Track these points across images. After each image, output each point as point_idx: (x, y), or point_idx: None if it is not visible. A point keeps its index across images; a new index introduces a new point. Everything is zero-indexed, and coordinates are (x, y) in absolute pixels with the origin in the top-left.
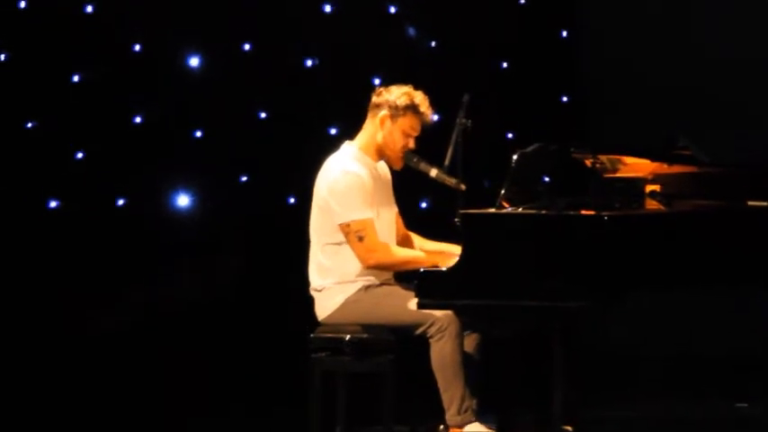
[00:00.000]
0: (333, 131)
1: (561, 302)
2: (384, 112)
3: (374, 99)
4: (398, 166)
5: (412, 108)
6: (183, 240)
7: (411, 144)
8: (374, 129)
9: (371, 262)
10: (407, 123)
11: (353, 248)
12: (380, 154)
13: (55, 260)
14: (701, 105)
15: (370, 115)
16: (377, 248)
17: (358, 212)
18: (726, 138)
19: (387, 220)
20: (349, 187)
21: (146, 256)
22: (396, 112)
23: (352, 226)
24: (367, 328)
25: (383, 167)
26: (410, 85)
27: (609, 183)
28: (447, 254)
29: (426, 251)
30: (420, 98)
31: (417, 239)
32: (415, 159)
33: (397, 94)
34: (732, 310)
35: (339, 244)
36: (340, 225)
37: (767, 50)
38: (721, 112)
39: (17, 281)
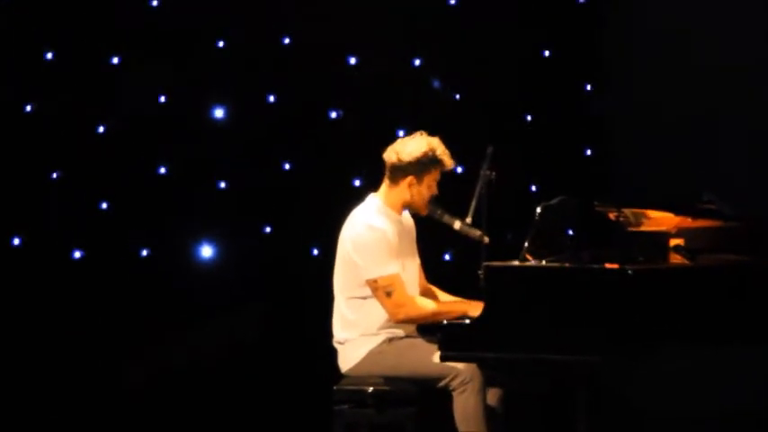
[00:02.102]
0: (357, 183)
1: (584, 356)
2: (409, 176)
3: (393, 161)
4: (425, 212)
5: (434, 162)
6: (207, 291)
7: (435, 191)
8: (400, 190)
9: (401, 316)
10: (432, 177)
11: (382, 303)
12: (407, 206)
13: (78, 311)
14: (727, 159)
15: (390, 175)
16: (405, 303)
17: (384, 268)
18: (754, 190)
19: (411, 271)
20: (374, 243)
21: (169, 307)
22: (421, 171)
23: (380, 282)
24: (390, 380)
25: (407, 218)
26: (421, 133)
27: (633, 236)
28: (474, 304)
29: (449, 303)
30: (440, 150)
31: (439, 294)
32: (438, 212)
33: (417, 153)
34: (758, 367)
35: (364, 298)
36: (367, 281)
37: None
38: (748, 168)
39: (40, 331)
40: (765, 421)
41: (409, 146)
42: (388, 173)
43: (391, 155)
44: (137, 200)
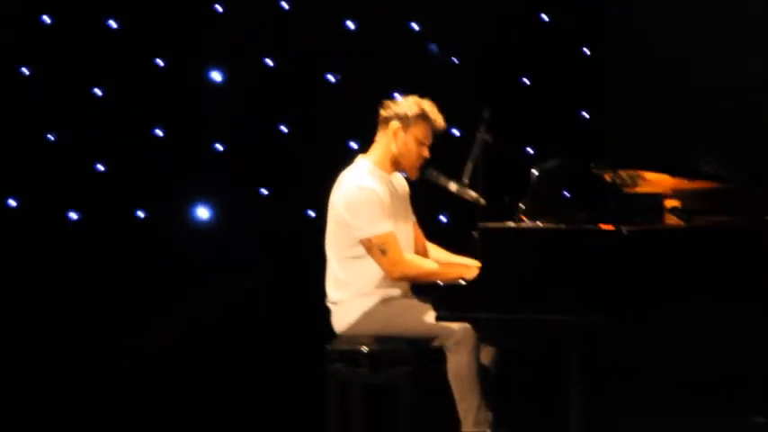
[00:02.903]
0: (354, 146)
1: (578, 317)
2: (395, 123)
3: (382, 113)
4: (414, 175)
5: (422, 116)
6: (202, 253)
7: (425, 153)
8: (387, 141)
9: (397, 274)
10: (420, 132)
11: (378, 262)
12: (396, 165)
13: (75, 272)
14: (725, 122)
15: (380, 129)
16: (401, 260)
17: (378, 226)
18: (752, 150)
19: (404, 232)
20: (365, 203)
21: (164, 269)
22: (407, 121)
23: (374, 241)
24: (384, 340)
25: (399, 180)
26: (416, 96)
27: (628, 198)
28: (469, 267)
29: (446, 263)
30: (429, 106)
31: (437, 251)
32: (434, 174)
33: (406, 104)
34: (752, 326)
35: (356, 258)
36: (361, 240)
37: None
38: (747, 127)
39: (37, 293)
40: (759, 379)
41: (401, 99)
42: (378, 126)
43: (382, 108)
44: (133, 162)
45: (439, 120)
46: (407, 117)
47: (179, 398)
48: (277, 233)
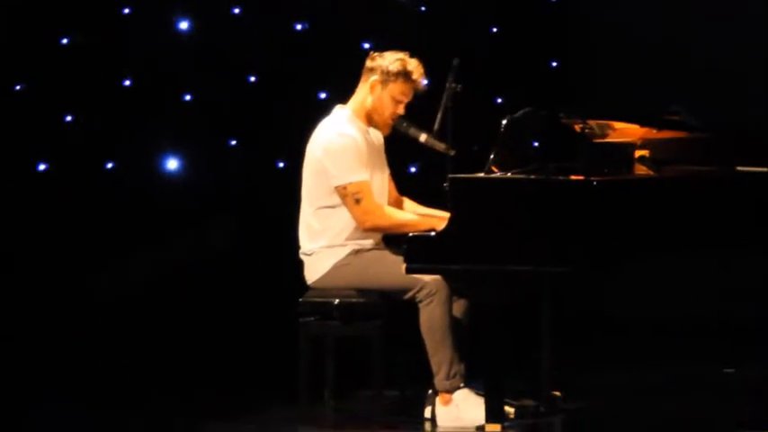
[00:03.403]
0: (322, 96)
1: (549, 267)
2: (375, 77)
3: (368, 63)
4: (386, 132)
5: (403, 74)
6: (172, 204)
7: (400, 110)
8: (365, 93)
9: (368, 224)
10: (397, 89)
11: (350, 210)
12: (369, 119)
13: (42, 223)
14: (694, 69)
15: (362, 80)
16: (374, 210)
17: (354, 174)
18: (719, 101)
19: (379, 183)
20: (344, 149)
21: (134, 220)
22: (387, 77)
23: (349, 188)
24: (356, 292)
25: (375, 132)
26: (406, 52)
27: (598, 148)
28: (440, 218)
29: (418, 215)
30: (414, 65)
31: (409, 204)
32: (404, 124)
33: (391, 59)
34: (720, 275)
35: (333, 207)
36: (336, 187)
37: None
38: (715, 75)
39: (5, 244)
40: (734, 329)
41: (388, 54)
42: (361, 77)
43: (369, 58)
44: (101, 112)
45: (420, 80)
46: (388, 72)
47: (151, 350)
48: (246, 184)
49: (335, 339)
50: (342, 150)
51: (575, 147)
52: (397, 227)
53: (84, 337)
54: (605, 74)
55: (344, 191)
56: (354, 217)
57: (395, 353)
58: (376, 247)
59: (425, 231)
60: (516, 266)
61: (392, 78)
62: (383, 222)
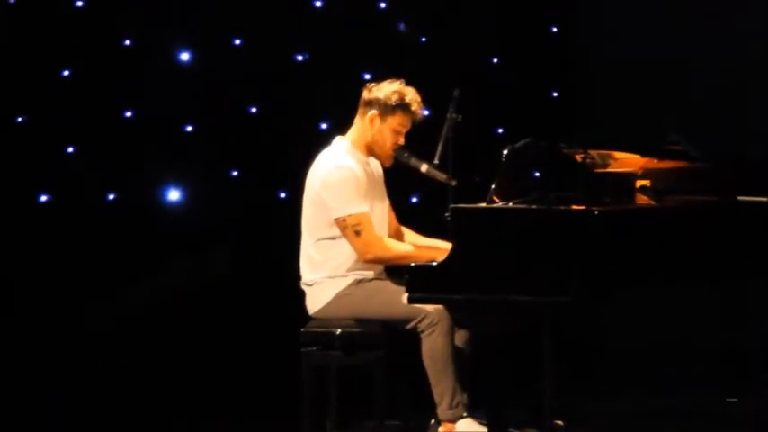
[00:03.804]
0: (323, 126)
1: (550, 297)
2: (373, 111)
3: (365, 95)
4: (388, 164)
5: (402, 106)
6: (174, 235)
7: (401, 141)
8: (364, 127)
9: (369, 256)
10: (397, 121)
11: (351, 243)
12: (370, 151)
13: (45, 254)
14: (694, 101)
15: (360, 112)
16: (375, 242)
17: (354, 206)
18: (720, 131)
19: (379, 214)
20: (342, 181)
21: (136, 251)
22: (385, 110)
23: (349, 221)
24: (358, 322)
25: (375, 162)
26: (401, 81)
27: (599, 178)
28: (441, 249)
29: (419, 246)
30: (411, 95)
31: (410, 234)
32: (405, 155)
33: (388, 92)
34: (723, 304)
35: (333, 239)
36: (336, 220)
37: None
38: (715, 107)
39: (7, 274)
40: (726, 354)
41: (384, 85)
42: (359, 108)
43: (365, 90)
44: (103, 144)
45: (419, 110)
46: (386, 106)
47: (153, 380)
48: (248, 214)
49: (338, 369)
50: (340, 183)
51: (576, 177)
52: (398, 259)
53: (85, 366)
54: (606, 104)
55: (344, 223)
56: (355, 249)
57: (397, 383)
58: (378, 278)
59: (426, 263)
60: (518, 296)
61: (390, 111)
62: (384, 254)
